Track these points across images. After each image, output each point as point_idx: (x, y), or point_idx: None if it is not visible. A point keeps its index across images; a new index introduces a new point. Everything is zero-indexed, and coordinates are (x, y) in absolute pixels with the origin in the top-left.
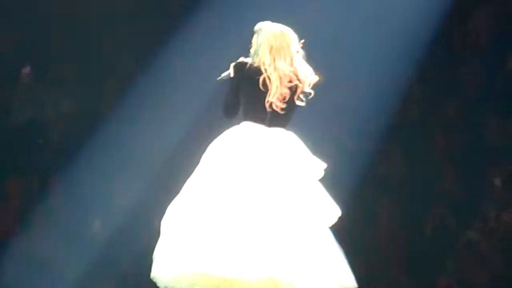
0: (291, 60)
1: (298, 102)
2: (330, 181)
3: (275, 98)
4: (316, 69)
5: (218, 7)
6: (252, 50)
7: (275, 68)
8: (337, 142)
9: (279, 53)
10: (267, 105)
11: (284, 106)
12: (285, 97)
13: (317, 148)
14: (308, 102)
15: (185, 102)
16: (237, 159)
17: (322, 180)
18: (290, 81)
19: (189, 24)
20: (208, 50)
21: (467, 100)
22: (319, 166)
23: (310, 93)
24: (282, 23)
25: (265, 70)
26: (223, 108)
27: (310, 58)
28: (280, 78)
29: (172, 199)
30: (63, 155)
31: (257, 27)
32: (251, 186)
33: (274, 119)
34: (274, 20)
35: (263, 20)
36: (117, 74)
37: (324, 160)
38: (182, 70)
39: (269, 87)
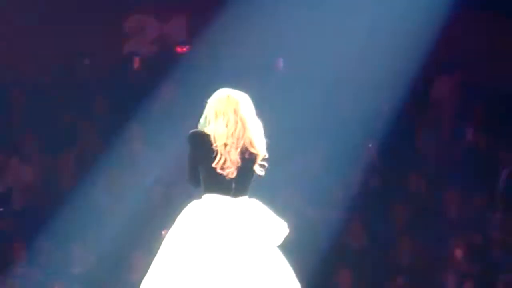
0: (240, 124)
1: (257, 171)
2: (289, 250)
3: (219, 165)
4: (278, 136)
5: (181, 83)
6: (201, 119)
7: (215, 131)
8: (297, 211)
9: (222, 117)
10: (223, 172)
11: (239, 173)
12: (234, 163)
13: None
14: (266, 171)
15: (146, 170)
16: (206, 237)
17: (282, 249)
18: (239, 145)
19: (151, 97)
20: (170, 124)
21: (427, 171)
22: (283, 231)
23: (264, 165)
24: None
25: (207, 135)
26: (187, 178)
27: (269, 123)
28: (220, 139)
29: (127, 268)
30: (25, 222)
31: (212, 96)
32: (222, 264)
33: (238, 188)
34: None
35: None
36: (78, 145)
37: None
38: (143, 141)
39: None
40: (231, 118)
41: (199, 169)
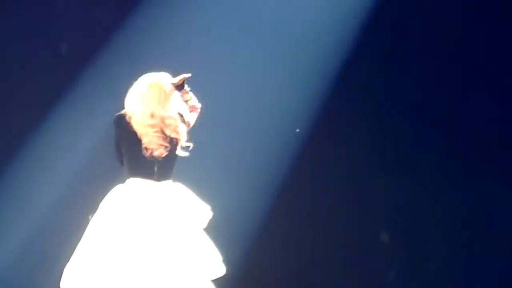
0: (160, 108)
1: (180, 153)
2: (216, 234)
3: (144, 147)
4: (206, 120)
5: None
6: (125, 103)
7: (133, 113)
8: (224, 196)
9: (137, 99)
10: (146, 154)
11: (163, 155)
12: (156, 144)
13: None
14: (194, 155)
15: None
16: (129, 221)
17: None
18: (157, 127)
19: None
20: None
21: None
22: (207, 214)
23: (188, 146)
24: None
25: (130, 118)
26: (115, 159)
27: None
28: (139, 121)
29: (56, 256)
30: None
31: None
32: (142, 248)
33: (160, 171)
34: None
35: None
36: None
37: None
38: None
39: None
40: (150, 103)
41: (122, 151)
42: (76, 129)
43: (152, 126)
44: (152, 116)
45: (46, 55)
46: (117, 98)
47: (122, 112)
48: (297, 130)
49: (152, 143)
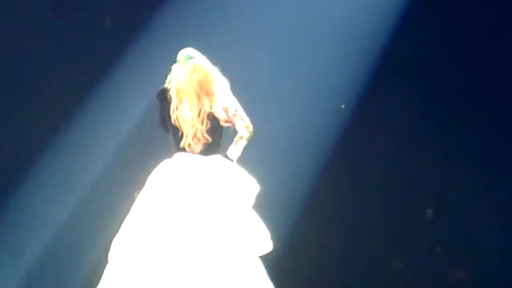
0: (206, 96)
1: (224, 124)
2: (263, 208)
3: (189, 140)
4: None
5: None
6: (168, 78)
7: (181, 114)
8: (271, 170)
9: (185, 95)
10: (186, 144)
11: (207, 131)
12: (203, 132)
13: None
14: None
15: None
16: (174, 197)
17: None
18: (204, 115)
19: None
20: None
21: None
22: (254, 188)
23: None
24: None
25: (173, 110)
26: (158, 125)
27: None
28: (185, 122)
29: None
30: None
31: (179, 56)
32: (191, 223)
33: (207, 146)
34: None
35: None
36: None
37: None
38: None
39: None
40: (196, 82)
41: (168, 126)
42: (120, 105)
43: (197, 102)
44: (198, 94)
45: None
46: (155, 81)
47: (165, 86)
48: (343, 106)
49: (189, 138)
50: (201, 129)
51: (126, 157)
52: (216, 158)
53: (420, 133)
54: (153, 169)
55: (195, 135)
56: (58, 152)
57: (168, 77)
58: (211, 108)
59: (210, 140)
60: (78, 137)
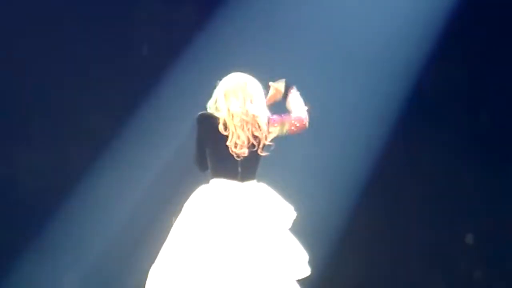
0: (250, 102)
1: (262, 153)
2: (300, 235)
3: (233, 142)
4: None
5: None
6: (210, 102)
7: (228, 110)
8: (308, 196)
9: (232, 95)
10: (232, 152)
11: (245, 156)
12: (245, 142)
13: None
14: (278, 155)
15: (156, 158)
16: (214, 221)
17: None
18: (249, 125)
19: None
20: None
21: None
22: (291, 214)
23: (270, 145)
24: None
25: (217, 116)
26: (194, 161)
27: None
28: (233, 117)
29: (140, 257)
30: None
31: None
32: (232, 248)
33: (244, 172)
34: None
35: None
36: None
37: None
38: (156, 126)
39: (228, 132)
40: (240, 95)
41: (206, 152)
42: (159, 129)
43: (246, 123)
44: (247, 113)
45: (128, 56)
46: (199, 99)
47: (207, 111)
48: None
49: (240, 141)
50: (247, 127)
51: (164, 182)
52: (252, 184)
53: (464, 159)
54: (189, 194)
55: (239, 133)
56: (95, 178)
57: (211, 100)
58: (256, 111)
59: (247, 157)
60: (116, 166)
